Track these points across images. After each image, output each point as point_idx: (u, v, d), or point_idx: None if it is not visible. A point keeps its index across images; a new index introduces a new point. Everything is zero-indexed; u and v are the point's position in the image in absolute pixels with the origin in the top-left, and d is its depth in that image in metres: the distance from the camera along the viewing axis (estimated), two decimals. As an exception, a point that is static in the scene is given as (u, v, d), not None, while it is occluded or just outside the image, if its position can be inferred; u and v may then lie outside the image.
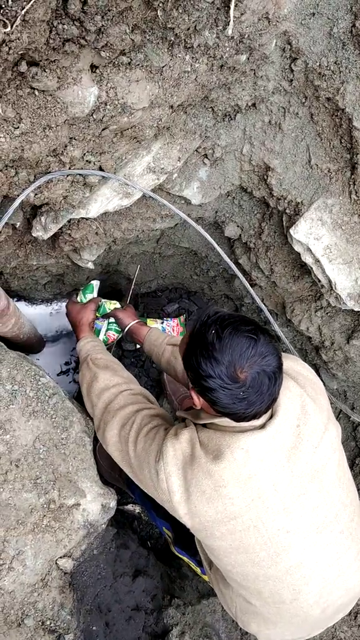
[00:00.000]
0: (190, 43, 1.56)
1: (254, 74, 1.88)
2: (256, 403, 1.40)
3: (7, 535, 1.72)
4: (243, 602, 1.75)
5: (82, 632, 1.90)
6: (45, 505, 1.80)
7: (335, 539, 1.61)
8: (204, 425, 1.61)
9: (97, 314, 2.63)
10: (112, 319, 2.68)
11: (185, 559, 2.29)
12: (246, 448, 1.48)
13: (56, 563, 1.81)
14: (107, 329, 2.76)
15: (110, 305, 2.67)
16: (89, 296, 2.61)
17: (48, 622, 1.76)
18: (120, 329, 2.69)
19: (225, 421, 1.52)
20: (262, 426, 1.52)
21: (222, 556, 1.61)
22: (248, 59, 1.77)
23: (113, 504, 2.00)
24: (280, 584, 1.59)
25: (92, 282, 2.67)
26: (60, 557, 1.82)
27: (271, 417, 1.54)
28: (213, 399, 1.42)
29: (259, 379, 1.38)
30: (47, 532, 1.78)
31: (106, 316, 2.65)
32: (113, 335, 2.77)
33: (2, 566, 1.69)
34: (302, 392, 1.61)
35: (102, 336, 2.75)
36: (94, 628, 2.00)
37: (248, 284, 2.36)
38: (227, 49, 1.66)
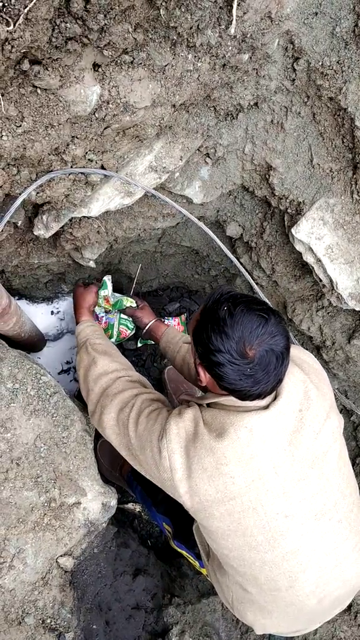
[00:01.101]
0: (193, 42, 1.56)
1: (257, 73, 1.88)
2: (262, 381, 1.42)
3: (8, 534, 1.72)
4: (239, 589, 1.75)
5: (82, 631, 1.90)
6: (45, 504, 1.80)
7: (334, 528, 1.61)
8: (209, 406, 1.63)
9: (112, 308, 2.65)
10: (124, 315, 2.70)
11: (184, 552, 2.30)
12: (250, 427, 1.49)
13: (57, 561, 1.81)
14: (120, 324, 2.77)
15: (127, 302, 2.67)
16: (103, 293, 2.62)
17: (48, 621, 1.76)
18: (133, 326, 2.71)
19: (230, 400, 1.53)
20: (266, 407, 1.53)
21: (220, 539, 1.61)
22: (250, 58, 1.77)
23: (114, 502, 2.01)
24: (276, 570, 1.59)
25: (105, 278, 2.68)
26: (61, 556, 1.82)
27: (275, 398, 1.55)
28: (220, 374, 1.44)
29: (267, 358, 1.40)
30: (47, 530, 1.78)
31: (122, 312, 2.66)
32: (125, 331, 2.78)
33: (3, 564, 1.69)
34: (306, 379, 1.62)
35: (115, 330, 2.76)
36: (94, 627, 2.00)
37: (252, 280, 2.36)
38: (230, 48, 1.66)
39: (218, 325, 1.42)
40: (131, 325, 2.79)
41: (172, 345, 2.35)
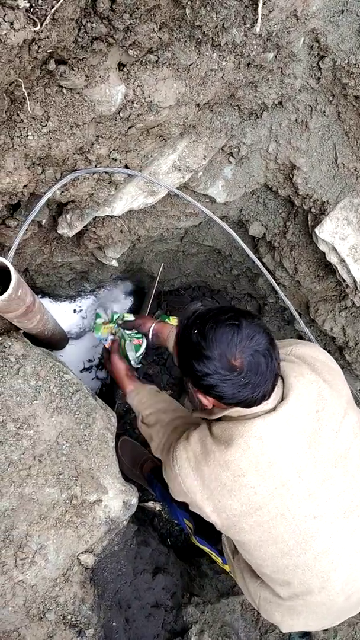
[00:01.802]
0: (218, 41, 1.55)
1: (281, 71, 1.87)
2: (260, 384, 1.41)
3: (30, 530, 1.73)
4: (269, 593, 1.76)
5: (103, 628, 1.91)
6: (67, 501, 1.81)
7: None
8: (219, 420, 1.62)
9: (112, 322, 2.68)
10: (127, 331, 2.73)
11: (206, 548, 2.29)
12: (259, 435, 1.48)
13: (77, 558, 1.82)
14: (131, 338, 2.80)
15: (126, 316, 2.71)
16: (99, 320, 2.66)
17: (69, 617, 1.77)
18: (140, 335, 2.72)
19: (237, 411, 1.52)
20: (274, 409, 1.51)
21: (253, 550, 1.61)
22: (275, 56, 1.76)
23: (134, 501, 2.01)
24: (309, 572, 1.58)
25: (96, 310, 2.71)
26: (82, 553, 1.83)
27: (282, 399, 1.54)
28: (218, 394, 1.43)
29: (255, 360, 1.38)
30: (69, 527, 1.79)
31: (125, 328, 2.67)
32: (138, 340, 2.80)
33: (25, 560, 1.70)
34: (318, 378, 1.60)
35: (130, 345, 2.78)
36: (114, 624, 2.01)
37: (273, 281, 2.35)
38: (255, 46, 1.65)
39: (195, 351, 1.41)
40: (138, 334, 2.82)
41: None
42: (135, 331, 2.71)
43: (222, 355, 1.38)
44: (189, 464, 1.60)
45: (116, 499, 1.93)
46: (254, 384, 1.40)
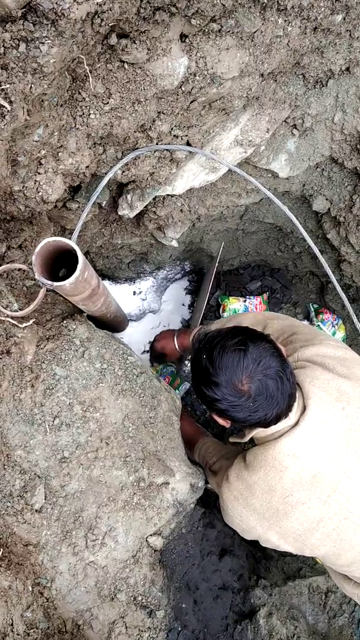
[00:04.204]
0: (284, 5, 1.48)
1: (350, 35, 1.77)
2: (272, 407, 1.39)
3: (99, 512, 1.74)
4: (355, 586, 1.76)
5: (172, 609, 1.91)
6: (135, 483, 1.81)
7: None
8: (250, 444, 1.63)
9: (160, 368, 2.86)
10: (163, 366, 2.88)
11: None
12: (291, 453, 1.47)
13: (146, 540, 1.82)
14: (163, 375, 2.98)
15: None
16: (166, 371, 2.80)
17: (140, 598, 1.78)
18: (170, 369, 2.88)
19: (260, 432, 1.51)
20: (297, 423, 1.49)
21: (335, 560, 1.61)
22: (344, 18, 1.66)
23: (201, 483, 1.99)
24: None
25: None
26: (151, 535, 1.83)
27: (303, 410, 1.50)
28: (230, 417, 1.43)
29: (263, 385, 1.36)
30: (137, 509, 1.79)
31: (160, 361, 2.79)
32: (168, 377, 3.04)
33: (95, 541, 1.71)
34: (333, 376, 1.55)
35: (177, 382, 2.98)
36: (183, 605, 2.01)
37: (322, 258, 2.26)
38: (322, 9, 1.56)
39: (204, 377, 1.41)
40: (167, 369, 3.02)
41: None
42: (164, 365, 2.88)
43: (229, 382, 1.37)
44: (238, 503, 1.62)
45: (183, 482, 1.92)
46: (265, 407, 1.38)
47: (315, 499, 1.48)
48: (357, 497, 1.48)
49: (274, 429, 1.48)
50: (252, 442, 1.65)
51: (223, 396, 1.38)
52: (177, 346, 2.68)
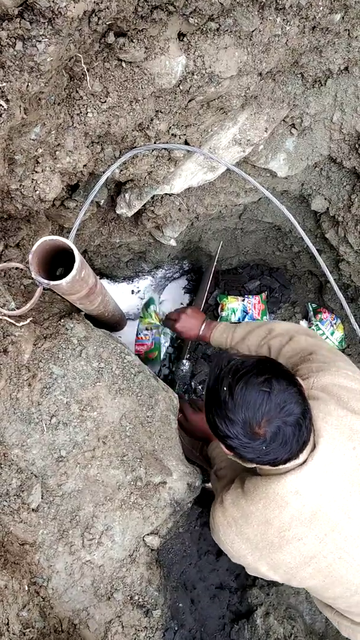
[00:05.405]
0: (282, 4, 1.47)
1: (348, 34, 1.76)
2: (284, 452, 1.34)
3: (96, 511, 1.74)
4: (349, 622, 1.72)
5: (169, 609, 1.91)
6: (132, 483, 1.81)
7: None
8: (252, 470, 1.58)
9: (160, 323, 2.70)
10: (163, 329, 2.79)
11: None
12: (294, 490, 1.43)
13: (143, 540, 1.82)
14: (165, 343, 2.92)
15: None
16: (153, 308, 2.69)
17: (136, 597, 1.78)
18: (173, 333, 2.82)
19: (265, 468, 1.47)
20: (305, 461, 1.44)
21: (322, 593, 1.59)
22: (343, 18, 1.66)
23: (198, 483, 1.99)
24: None
25: (152, 295, 2.76)
26: (147, 534, 1.82)
27: (313, 448, 1.45)
28: (239, 454, 1.39)
29: (280, 432, 1.31)
30: (134, 509, 1.79)
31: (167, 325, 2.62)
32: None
33: (92, 541, 1.71)
34: (346, 412, 1.50)
35: (163, 351, 2.89)
36: (180, 605, 2.01)
37: (322, 261, 2.25)
38: (321, 8, 1.56)
39: (221, 409, 1.34)
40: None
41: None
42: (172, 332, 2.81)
43: (246, 422, 1.31)
44: (231, 530, 1.57)
45: (180, 481, 1.92)
46: (277, 452, 1.34)
47: (312, 536, 1.45)
48: (354, 538, 1.45)
49: (281, 467, 1.43)
50: (254, 470, 1.61)
51: (236, 435, 1.33)
52: (200, 332, 2.43)
